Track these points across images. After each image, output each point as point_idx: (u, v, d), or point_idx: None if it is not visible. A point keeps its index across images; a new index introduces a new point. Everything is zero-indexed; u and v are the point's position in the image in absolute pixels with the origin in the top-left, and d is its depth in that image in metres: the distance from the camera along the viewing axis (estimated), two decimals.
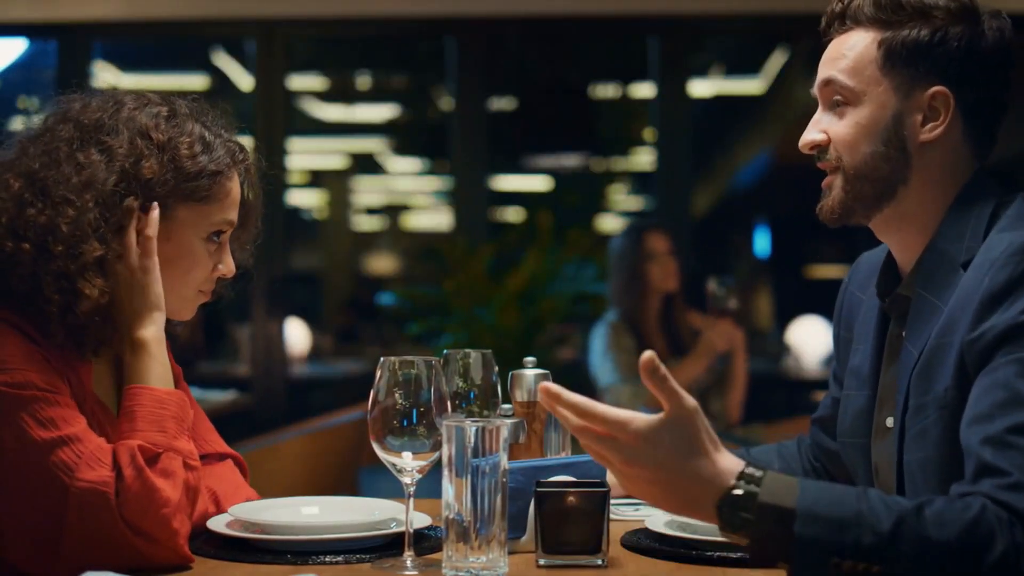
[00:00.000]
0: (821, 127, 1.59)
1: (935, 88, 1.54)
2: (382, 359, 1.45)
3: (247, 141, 1.74)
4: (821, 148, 1.59)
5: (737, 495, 1.22)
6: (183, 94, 1.69)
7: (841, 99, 1.57)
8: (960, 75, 1.54)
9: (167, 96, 1.66)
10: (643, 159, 8.37)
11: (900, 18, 1.55)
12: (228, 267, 1.67)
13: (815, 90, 1.62)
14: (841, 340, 1.76)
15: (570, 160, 8.60)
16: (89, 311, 1.51)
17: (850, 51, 1.57)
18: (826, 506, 1.21)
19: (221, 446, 1.79)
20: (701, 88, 5.73)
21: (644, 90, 6.83)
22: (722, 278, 4.02)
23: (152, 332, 1.56)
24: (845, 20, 1.60)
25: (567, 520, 1.45)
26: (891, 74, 1.55)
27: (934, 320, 1.48)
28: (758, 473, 1.23)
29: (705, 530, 1.51)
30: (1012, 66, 1.57)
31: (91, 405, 1.55)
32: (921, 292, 1.53)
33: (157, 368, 1.55)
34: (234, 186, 1.65)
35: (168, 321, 1.73)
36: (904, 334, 1.54)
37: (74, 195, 1.53)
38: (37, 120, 1.63)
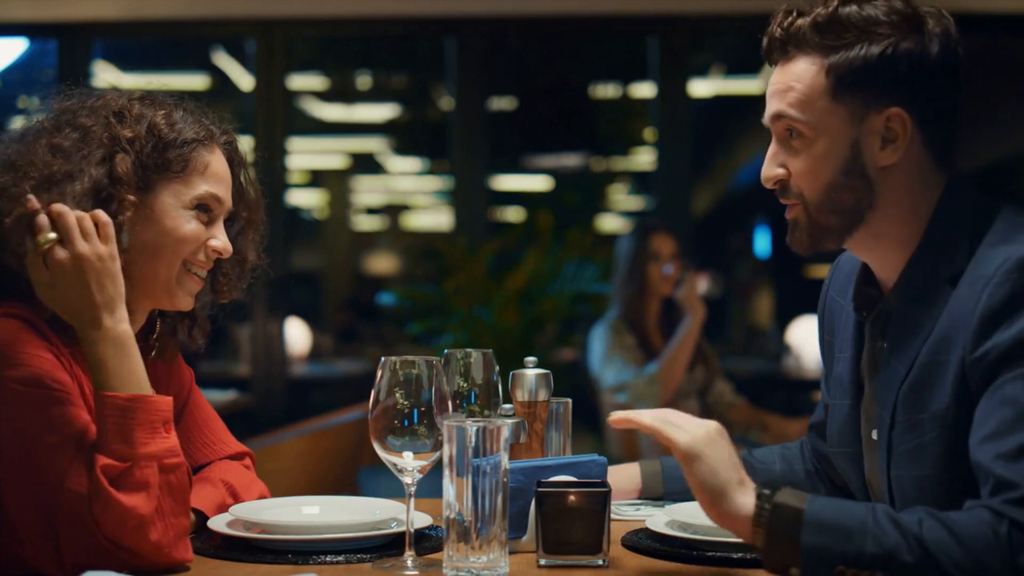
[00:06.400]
0: (779, 160, 1.53)
1: (890, 110, 1.47)
2: (383, 359, 1.45)
3: (247, 141, 1.73)
4: (783, 183, 1.52)
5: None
6: (185, 94, 1.68)
7: (795, 132, 1.50)
8: (914, 92, 1.46)
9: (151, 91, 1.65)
10: (643, 159, 8.37)
11: (845, 40, 1.46)
12: (224, 244, 1.61)
13: (767, 122, 1.54)
14: (826, 344, 1.72)
15: (570, 160, 8.60)
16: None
17: (797, 82, 1.49)
18: (832, 515, 1.26)
19: (236, 446, 1.82)
20: (701, 88, 5.74)
21: (644, 90, 6.83)
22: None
23: (113, 325, 1.46)
24: (787, 47, 1.51)
25: (568, 520, 1.45)
26: (843, 102, 1.47)
27: (922, 336, 1.44)
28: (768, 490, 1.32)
29: (705, 530, 1.51)
30: (961, 66, 1.48)
31: (89, 396, 1.51)
32: (905, 308, 1.49)
33: (113, 367, 1.45)
34: (214, 159, 1.61)
35: (184, 323, 1.71)
36: (887, 348, 1.51)
37: (41, 163, 1.50)
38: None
